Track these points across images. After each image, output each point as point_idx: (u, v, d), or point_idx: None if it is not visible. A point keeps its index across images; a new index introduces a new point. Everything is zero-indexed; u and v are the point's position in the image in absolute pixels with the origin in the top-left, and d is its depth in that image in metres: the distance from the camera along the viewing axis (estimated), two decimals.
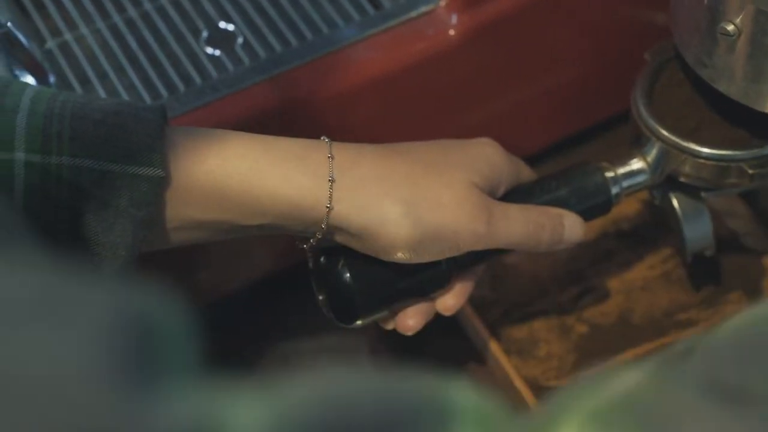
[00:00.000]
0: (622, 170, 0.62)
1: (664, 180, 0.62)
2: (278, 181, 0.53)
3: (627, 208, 0.72)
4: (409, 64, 0.65)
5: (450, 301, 0.61)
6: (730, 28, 0.53)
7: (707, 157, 0.60)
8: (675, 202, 0.63)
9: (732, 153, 0.59)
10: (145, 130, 0.51)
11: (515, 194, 0.61)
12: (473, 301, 0.68)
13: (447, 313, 0.61)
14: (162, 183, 0.51)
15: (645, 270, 0.71)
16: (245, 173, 0.53)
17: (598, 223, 0.72)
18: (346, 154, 0.55)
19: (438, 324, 0.63)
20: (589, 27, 0.70)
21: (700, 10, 0.55)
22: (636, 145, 0.62)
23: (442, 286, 0.60)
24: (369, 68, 0.65)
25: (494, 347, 0.67)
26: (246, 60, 0.65)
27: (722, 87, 0.57)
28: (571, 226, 0.61)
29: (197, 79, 0.64)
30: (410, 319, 0.60)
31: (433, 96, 0.68)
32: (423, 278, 0.59)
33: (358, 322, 0.60)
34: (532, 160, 0.69)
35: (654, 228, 0.72)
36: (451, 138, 0.61)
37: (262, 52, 0.65)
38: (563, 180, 0.62)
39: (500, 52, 0.68)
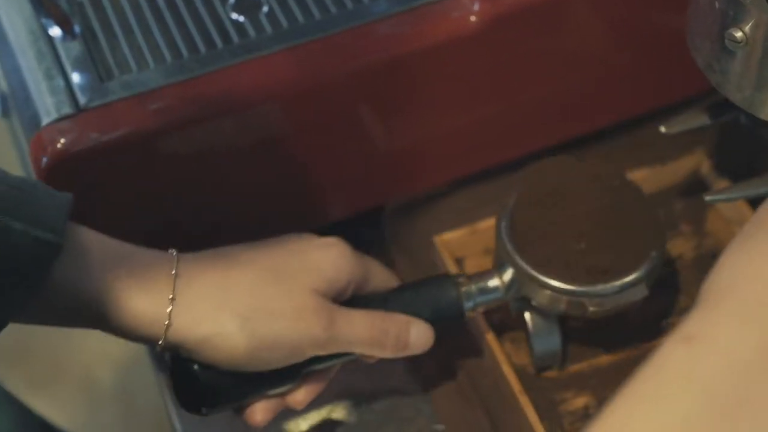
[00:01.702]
0: (477, 286, 0.64)
1: (519, 299, 0.65)
2: (121, 296, 0.56)
3: None
4: (427, 46, 0.66)
5: (300, 396, 0.62)
6: (739, 35, 0.53)
7: (552, 289, 0.62)
8: (527, 319, 0.66)
9: (575, 288, 0.62)
10: (55, 204, 0.55)
11: (369, 302, 0.62)
12: None
13: (297, 408, 0.63)
14: (56, 252, 0.54)
15: None
16: (95, 284, 0.55)
17: None
18: (191, 269, 0.57)
19: None
20: (613, 20, 0.70)
21: (712, 15, 0.55)
22: (496, 263, 0.65)
23: (291, 384, 0.62)
24: (386, 47, 0.66)
25: (487, 332, 0.68)
26: (269, 28, 0.66)
27: (729, 94, 0.57)
28: (418, 334, 0.62)
29: (219, 43, 0.66)
30: (258, 414, 0.62)
31: (450, 80, 0.69)
32: (271, 379, 0.60)
33: (204, 413, 0.61)
34: (547, 153, 0.70)
35: None
36: None
37: (285, 22, 0.67)
38: (418, 291, 0.64)
39: (519, 43, 0.68)
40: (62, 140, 0.62)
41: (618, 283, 0.62)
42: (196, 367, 0.60)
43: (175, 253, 0.58)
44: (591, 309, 0.62)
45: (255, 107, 0.65)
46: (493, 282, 0.64)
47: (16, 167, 0.81)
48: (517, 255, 0.63)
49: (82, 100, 0.64)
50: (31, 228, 0.54)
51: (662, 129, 0.64)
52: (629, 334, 0.69)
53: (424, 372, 0.69)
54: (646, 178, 0.73)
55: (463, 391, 0.68)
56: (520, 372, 0.67)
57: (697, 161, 0.74)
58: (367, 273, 0.62)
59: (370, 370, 0.66)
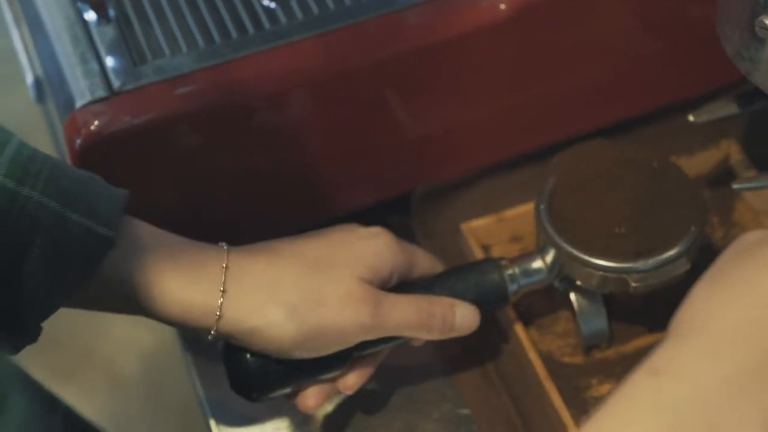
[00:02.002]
0: (520, 269, 0.65)
1: (564, 278, 0.65)
2: (173, 288, 0.58)
3: None
4: (457, 34, 0.67)
5: (350, 380, 0.63)
6: None
7: (594, 267, 0.63)
8: (573, 300, 0.66)
9: (616, 265, 0.63)
10: (111, 199, 0.57)
11: (414, 288, 0.63)
12: None
13: (347, 392, 0.64)
14: (109, 245, 0.56)
15: None
16: (147, 275, 0.57)
17: None
18: (241, 262, 0.59)
19: None
20: (642, 9, 0.70)
21: (742, 3, 0.56)
22: (538, 246, 0.66)
23: (340, 370, 0.63)
24: (416, 34, 0.66)
25: (514, 319, 0.68)
26: (300, 14, 0.67)
27: (758, 82, 0.57)
28: (464, 315, 0.63)
29: (250, 29, 0.66)
30: (309, 399, 0.63)
31: (479, 68, 0.69)
32: (321, 364, 0.62)
33: (255, 398, 0.63)
34: (573, 143, 0.70)
35: None
36: None
37: (315, 9, 0.67)
38: (462, 275, 0.65)
39: (548, 32, 0.69)
40: (96, 122, 0.63)
41: (659, 258, 0.62)
42: (248, 356, 0.61)
43: (225, 247, 0.60)
44: (633, 285, 0.62)
45: (285, 93, 0.66)
46: (536, 264, 0.65)
47: (49, 151, 0.82)
48: (558, 236, 0.64)
49: (115, 83, 0.65)
50: (88, 221, 0.56)
51: (690, 118, 0.65)
52: (655, 321, 0.69)
53: (449, 357, 0.69)
54: None
55: (487, 377, 0.68)
56: (545, 358, 0.67)
57: (726, 152, 0.74)
58: (411, 261, 0.64)
59: (395, 354, 0.67)
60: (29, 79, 0.76)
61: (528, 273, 0.65)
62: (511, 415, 0.67)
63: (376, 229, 0.63)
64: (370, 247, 0.62)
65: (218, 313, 0.58)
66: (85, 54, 0.66)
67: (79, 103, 0.64)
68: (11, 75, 0.83)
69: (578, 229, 0.64)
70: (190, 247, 0.59)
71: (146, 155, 0.65)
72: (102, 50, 0.66)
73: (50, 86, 0.68)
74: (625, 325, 0.69)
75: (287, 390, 0.63)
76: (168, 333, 0.67)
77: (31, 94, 0.76)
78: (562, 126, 0.75)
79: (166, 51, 0.66)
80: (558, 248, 0.64)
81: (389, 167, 0.73)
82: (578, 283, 0.65)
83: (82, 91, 0.65)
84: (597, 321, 0.66)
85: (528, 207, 0.71)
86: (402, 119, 0.70)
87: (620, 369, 0.67)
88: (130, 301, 0.58)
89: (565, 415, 0.64)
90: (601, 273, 0.63)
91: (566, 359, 0.68)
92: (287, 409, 0.67)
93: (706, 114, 0.65)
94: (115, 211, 0.56)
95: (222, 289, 0.58)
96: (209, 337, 0.59)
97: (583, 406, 0.66)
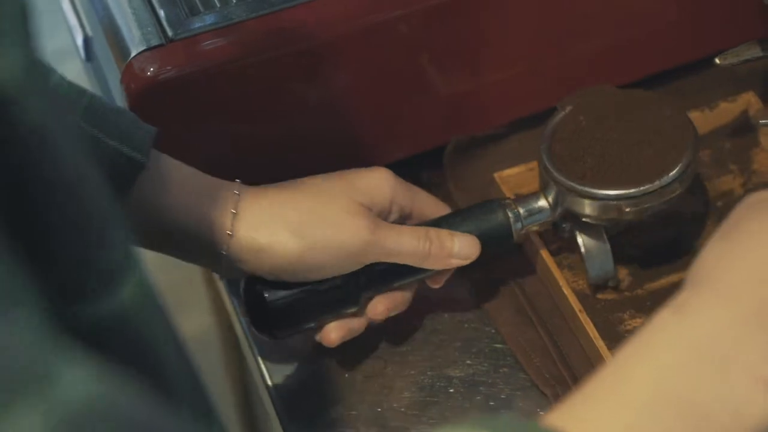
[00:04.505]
0: (524, 208, 0.68)
1: (569, 217, 0.69)
2: (193, 209, 0.63)
3: None
4: None
5: (379, 307, 0.67)
6: None
7: (591, 197, 0.67)
8: (579, 239, 0.70)
9: (611, 193, 0.67)
10: (142, 130, 0.62)
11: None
12: None
13: (378, 319, 0.67)
14: (140, 169, 0.61)
15: (699, 206, 0.75)
16: (171, 199, 0.63)
17: None
18: (252, 192, 0.64)
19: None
20: None
21: None
22: (541, 185, 0.70)
23: (355, 304, 0.66)
24: None
25: (549, 260, 0.71)
26: None
27: None
28: (462, 243, 0.66)
29: None
30: (332, 333, 0.67)
31: (510, 21, 0.72)
32: (336, 297, 0.66)
33: (278, 335, 0.67)
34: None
35: (713, 168, 0.76)
36: None
37: None
38: (467, 215, 0.68)
39: None
40: (152, 68, 0.67)
41: (652, 185, 0.66)
42: (266, 293, 0.65)
43: (239, 181, 0.65)
44: (627, 210, 0.66)
45: (331, 42, 0.69)
46: (540, 202, 0.68)
47: None
48: (556, 172, 0.68)
49: (169, 32, 0.68)
50: (122, 145, 0.61)
51: (717, 60, 0.68)
52: (680, 262, 0.72)
53: (484, 296, 0.72)
54: (696, 119, 0.77)
55: (523, 313, 0.71)
56: (578, 295, 0.70)
57: (745, 104, 0.78)
58: (413, 199, 0.68)
59: (430, 295, 0.70)
60: (79, 39, 0.79)
61: (532, 212, 0.68)
62: (547, 347, 0.70)
63: (375, 167, 0.68)
64: (368, 179, 0.66)
65: (230, 232, 0.63)
66: (139, 6, 0.70)
67: (134, 52, 0.68)
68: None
69: (576, 165, 0.68)
70: (210, 180, 0.64)
71: (199, 101, 0.68)
72: (156, 2, 0.70)
73: (106, 38, 0.72)
74: (654, 265, 0.72)
75: (308, 325, 0.67)
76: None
77: (81, 53, 0.79)
78: (588, 81, 0.78)
79: (217, 2, 0.69)
80: (558, 183, 0.68)
81: (423, 121, 0.76)
82: (583, 219, 0.68)
83: (137, 40, 0.68)
84: (603, 261, 0.69)
85: None
86: (436, 72, 0.74)
87: (650, 304, 0.71)
88: (155, 227, 0.62)
89: (600, 344, 0.67)
90: (598, 202, 0.67)
91: (598, 296, 0.72)
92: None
93: (732, 57, 0.68)
94: (147, 140, 0.61)
95: (234, 211, 0.63)
96: (222, 258, 0.63)
97: (616, 338, 0.69)
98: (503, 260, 0.73)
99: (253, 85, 0.69)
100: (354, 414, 0.68)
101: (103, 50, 0.74)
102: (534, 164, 0.76)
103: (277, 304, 0.65)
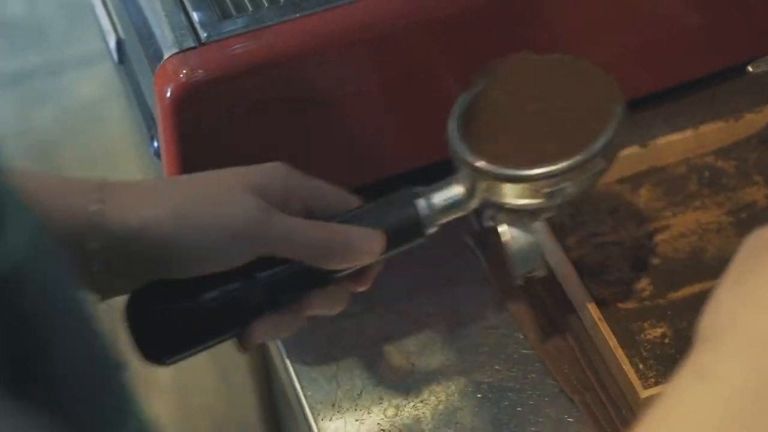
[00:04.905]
0: (438, 197, 0.62)
1: (490, 204, 0.63)
2: (58, 194, 0.55)
3: (710, 160, 0.77)
4: None
5: (316, 303, 0.60)
6: None
7: (504, 179, 0.61)
8: (500, 229, 0.63)
9: (521, 173, 0.60)
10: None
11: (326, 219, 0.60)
12: (553, 226, 0.74)
13: (325, 312, 0.61)
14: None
15: (721, 215, 0.75)
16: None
17: (681, 170, 0.77)
18: (120, 182, 0.57)
19: None
20: None
21: None
22: (453, 170, 0.63)
23: (254, 315, 0.58)
24: None
25: (568, 268, 0.72)
26: None
27: None
28: (363, 236, 0.60)
29: None
30: (256, 333, 0.59)
31: (534, 28, 0.73)
32: (226, 317, 0.58)
33: (166, 361, 0.59)
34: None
35: (737, 179, 0.77)
36: None
37: None
38: (375, 207, 0.62)
39: None
40: (185, 70, 0.68)
41: (570, 161, 0.60)
42: (150, 307, 0.57)
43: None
44: (546, 191, 0.60)
45: (361, 47, 0.70)
46: (455, 190, 0.62)
47: (128, 114, 0.86)
48: (464, 153, 0.61)
49: (202, 34, 0.69)
50: None
51: (749, 68, 0.69)
52: (703, 271, 0.73)
53: (512, 302, 0.73)
54: (720, 130, 0.77)
55: (550, 318, 0.72)
56: (599, 303, 0.71)
57: None
58: (315, 192, 0.61)
59: (457, 300, 0.71)
60: (111, 42, 0.80)
61: (447, 200, 0.61)
62: (575, 353, 0.70)
63: (273, 163, 0.61)
64: (261, 169, 0.60)
65: (102, 221, 0.54)
66: (172, 9, 0.71)
67: (167, 54, 0.69)
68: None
69: (489, 144, 0.62)
70: (73, 178, 0.57)
71: (232, 102, 0.69)
72: (189, 5, 0.71)
73: (139, 41, 0.73)
74: (675, 275, 0.73)
75: (198, 348, 0.59)
76: None
77: (113, 56, 0.81)
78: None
79: (249, 6, 0.71)
80: (466, 166, 0.61)
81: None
82: (503, 206, 0.62)
83: (170, 42, 0.69)
84: (528, 253, 0.63)
85: None
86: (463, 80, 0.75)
87: (671, 313, 0.71)
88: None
89: (620, 354, 0.68)
90: (512, 185, 0.61)
91: (619, 304, 0.72)
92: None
93: (763, 64, 0.69)
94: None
95: (99, 199, 0.55)
96: (95, 252, 0.54)
97: (636, 347, 0.70)
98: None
99: (285, 87, 0.70)
100: (380, 417, 0.68)
101: (135, 53, 0.75)
102: None
103: (164, 318, 0.57)
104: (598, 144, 0.61)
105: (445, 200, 0.62)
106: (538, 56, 0.65)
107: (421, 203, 0.61)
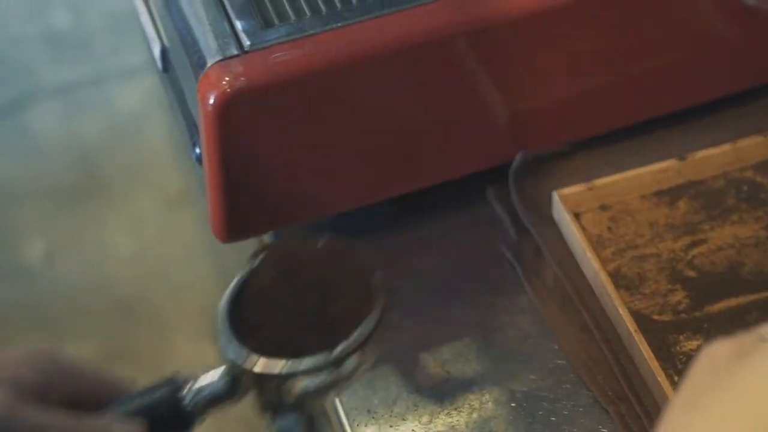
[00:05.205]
0: (204, 388, 0.60)
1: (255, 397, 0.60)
2: None
3: (749, 175, 0.77)
4: (562, 5, 0.72)
5: None
6: None
7: (259, 375, 0.58)
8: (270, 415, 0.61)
9: (258, 371, 0.58)
10: None
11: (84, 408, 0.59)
12: (590, 237, 0.74)
13: None
14: None
15: (759, 230, 0.75)
16: None
17: (719, 183, 0.77)
18: None
19: None
20: None
21: None
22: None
23: None
24: (522, 4, 0.71)
25: (605, 279, 0.72)
26: None
27: None
28: (120, 425, 0.58)
29: (338, 5, 0.72)
30: None
31: (579, 42, 0.74)
32: None
33: None
34: (661, 120, 0.75)
35: None
36: None
37: None
38: (138, 397, 0.60)
39: (649, 10, 0.73)
40: (228, 78, 0.69)
41: (296, 364, 0.58)
42: None
43: None
44: (284, 390, 0.58)
45: (402, 57, 0.71)
46: (222, 381, 0.59)
47: (170, 125, 0.87)
48: (225, 344, 0.60)
49: (246, 42, 0.70)
50: None
51: None
52: (740, 285, 0.73)
53: (547, 312, 0.73)
54: (761, 144, 0.78)
55: (585, 328, 0.72)
56: (634, 315, 0.71)
57: None
58: (79, 379, 0.60)
59: (492, 310, 0.71)
60: (156, 50, 0.82)
61: (212, 391, 0.59)
62: (611, 364, 0.70)
63: (36, 349, 0.60)
64: (12, 357, 0.59)
65: None
66: (216, 17, 0.72)
67: (211, 61, 0.70)
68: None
69: (249, 337, 0.60)
70: None
71: (275, 110, 0.70)
72: (232, 14, 0.72)
73: (183, 48, 0.74)
74: (712, 288, 0.73)
75: None
76: None
77: (158, 64, 0.82)
78: (649, 105, 0.79)
79: (291, 15, 0.72)
80: (228, 362, 0.59)
81: (492, 136, 0.77)
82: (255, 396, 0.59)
83: (214, 50, 0.71)
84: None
85: (617, 177, 0.76)
86: (507, 90, 0.75)
87: (707, 326, 0.71)
88: None
89: (654, 365, 0.68)
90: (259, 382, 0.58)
91: (654, 316, 0.72)
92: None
93: None
94: None
95: None
96: None
97: (671, 359, 0.70)
98: (567, 277, 0.74)
99: (327, 95, 0.71)
100: (415, 423, 0.69)
101: (179, 60, 0.76)
102: (593, 183, 0.77)
103: None
104: (340, 349, 0.59)
105: (212, 390, 0.60)
106: (306, 237, 0.65)
107: (187, 395, 0.60)
